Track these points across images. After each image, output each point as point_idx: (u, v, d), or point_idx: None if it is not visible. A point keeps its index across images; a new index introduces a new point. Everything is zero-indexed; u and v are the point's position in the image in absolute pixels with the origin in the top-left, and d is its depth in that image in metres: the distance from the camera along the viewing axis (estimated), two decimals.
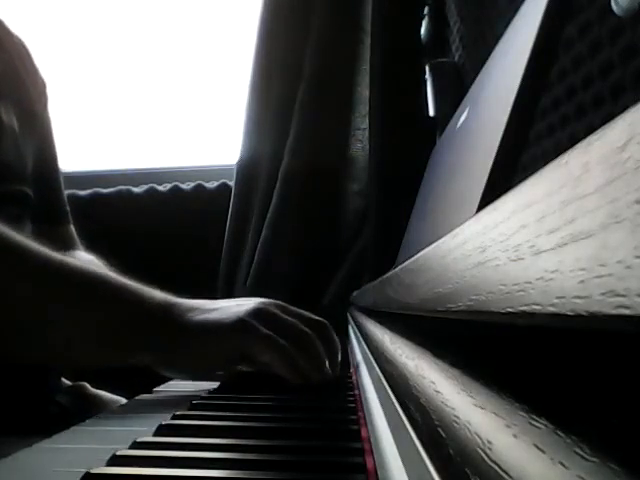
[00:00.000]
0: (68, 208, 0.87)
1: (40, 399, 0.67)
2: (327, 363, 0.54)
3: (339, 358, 0.57)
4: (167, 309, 0.53)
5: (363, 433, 0.34)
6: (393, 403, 0.24)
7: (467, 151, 0.40)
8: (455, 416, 0.14)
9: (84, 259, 0.82)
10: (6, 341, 0.50)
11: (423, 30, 1.04)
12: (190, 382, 0.59)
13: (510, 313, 0.11)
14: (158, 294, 0.55)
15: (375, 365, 0.36)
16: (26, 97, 0.77)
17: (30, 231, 0.73)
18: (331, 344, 0.56)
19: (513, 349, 0.14)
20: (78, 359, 0.55)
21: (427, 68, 0.96)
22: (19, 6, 1.51)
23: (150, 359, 0.54)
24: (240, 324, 0.51)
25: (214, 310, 0.53)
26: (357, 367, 0.54)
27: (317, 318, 0.58)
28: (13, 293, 0.49)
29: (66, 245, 0.84)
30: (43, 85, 0.85)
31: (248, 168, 1.33)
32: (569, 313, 0.09)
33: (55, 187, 0.85)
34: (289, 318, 0.53)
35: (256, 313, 0.52)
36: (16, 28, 0.79)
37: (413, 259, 0.27)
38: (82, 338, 0.52)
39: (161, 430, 0.35)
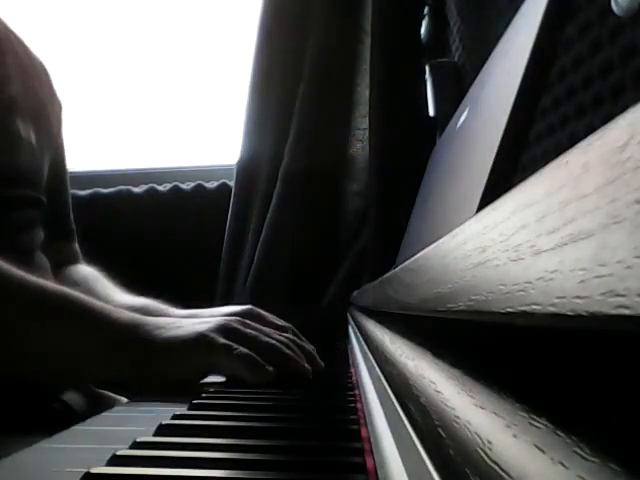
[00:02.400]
0: (74, 227, 0.90)
1: (43, 397, 0.67)
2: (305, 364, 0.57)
3: (315, 356, 0.60)
4: (134, 329, 0.56)
5: (363, 433, 0.34)
6: (393, 403, 0.24)
7: (467, 151, 0.40)
8: (455, 416, 0.14)
9: (85, 272, 0.85)
10: None
11: (423, 30, 1.04)
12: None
13: (510, 313, 0.11)
14: (125, 314, 0.58)
15: (375, 365, 0.36)
16: (44, 115, 0.80)
17: (42, 235, 0.75)
18: (303, 347, 0.60)
19: (513, 349, 0.14)
20: (46, 378, 0.58)
21: (427, 68, 0.96)
22: (20, 5, 1.51)
23: (119, 377, 0.57)
24: (201, 338, 0.54)
25: (178, 328, 0.56)
26: (357, 367, 0.54)
27: (284, 324, 0.62)
28: None
29: (69, 260, 0.86)
30: (59, 107, 0.88)
31: (248, 168, 1.33)
32: (569, 313, 0.09)
33: (64, 205, 0.89)
34: (250, 331, 0.56)
35: (217, 328, 0.55)
36: (16, 28, 0.79)
37: (413, 259, 0.27)
38: (50, 357, 0.54)
39: (161, 430, 0.35)
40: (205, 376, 0.57)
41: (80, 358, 0.55)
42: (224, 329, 0.55)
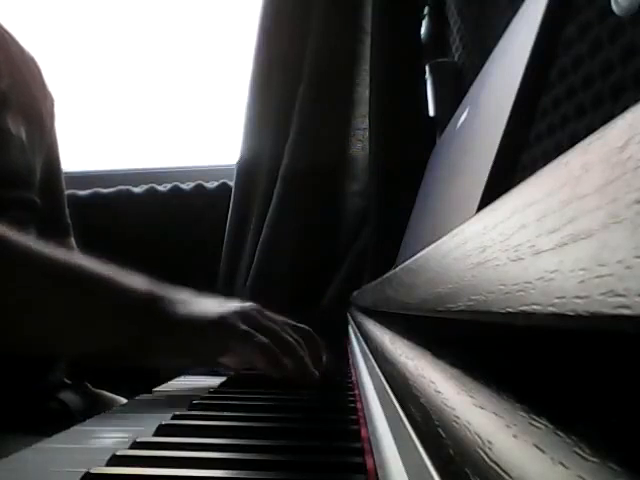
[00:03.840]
0: (70, 221, 0.89)
1: (41, 395, 0.67)
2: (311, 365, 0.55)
3: (323, 360, 0.59)
4: (151, 299, 0.54)
5: (363, 433, 0.34)
6: (393, 403, 0.24)
7: (467, 151, 0.40)
8: (455, 416, 0.14)
9: None
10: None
11: (423, 30, 1.04)
12: (189, 382, 0.59)
13: (510, 313, 0.11)
14: (142, 283, 0.56)
15: (375, 365, 0.36)
16: (35, 111, 0.79)
17: (35, 236, 0.75)
18: (314, 349, 0.59)
19: (513, 349, 0.14)
20: (60, 346, 0.56)
21: (427, 68, 0.96)
22: (19, 5, 1.51)
23: (133, 348, 0.55)
24: (222, 320, 0.53)
25: (197, 306, 0.55)
26: (357, 367, 0.54)
27: (300, 325, 0.61)
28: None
29: None
30: (51, 102, 0.87)
31: (248, 168, 1.33)
32: (569, 313, 0.09)
33: (59, 200, 0.88)
34: (269, 323, 0.55)
35: (238, 313, 0.54)
36: (16, 27, 0.79)
37: (413, 259, 0.27)
38: (64, 326, 0.53)
39: (161, 430, 0.35)
40: (219, 358, 0.56)
41: (94, 325, 0.53)
42: (245, 316, 0.54)
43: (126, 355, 0.55)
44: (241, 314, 0.54)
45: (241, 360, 0.56)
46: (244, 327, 0.52)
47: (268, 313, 0.60)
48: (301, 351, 0.55)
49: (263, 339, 0.52)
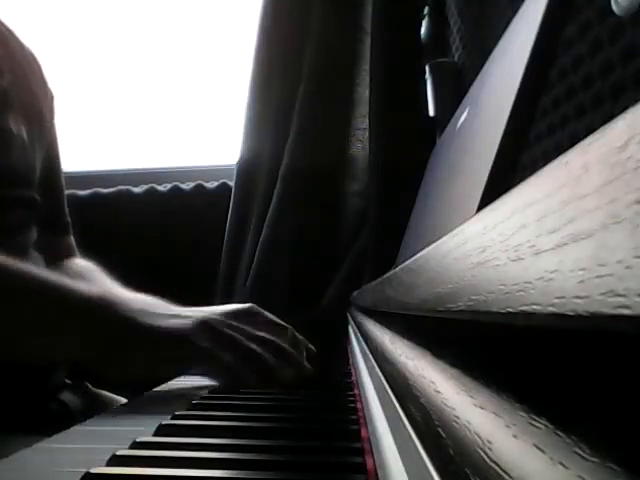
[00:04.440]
0: (69, 219, 0.89)
1: (41, 396, 0.67)
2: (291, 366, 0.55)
3: (303, 358, 0.59)
4: (105, 306, 0.54)
5: (363, 433, 0.34)
6: (393, 403, 0.24)
7: (467, 151, 0.40)
8: (455, 416, 0.14)
9: (81, 266, 0.84)
10: None
11: (423, 30, 1.04)
12: (190, 382, 0.59)
13: (510, 313, 0.11)
14: (94, 289, 0.56)
15: (375, 365, 0.36)
16: (35, 108, 0.78)
17: (35, 234, 0.75)
18: (296, 347, 0.59)
19: (513, 349, 0.14)
20: (23, 357, 0.56)
21: (427, 68, 0.96)
22: (19, 5, 1.51)
23: (94, 357, 0.55)
24: (184, 337, 0.53)
25: (161, 317, 0.54)
26: (357, 367, 0.54)
27: (281, 324, 0.61)
28: None
29: (64, 254, 0.86)
30: (51, 97, 0.86)
31: (248, 168, 1.33)
32: (569, 313, 0.09)
33: (58, 198, 0.88)
34: (232, 333, 0.55)
35: (199, 327, 0.53)
36: (16, 27, 0.79)
37: (413, 259, 0.27)
38: (29, 337, 0.53)
39: (161, 430, 0.35)
40: (181, 374, 0.57)
41: (54, 338, 0.53)
42: (206, 328, 0.54)
43: (93, 366, 0.56)
44: (203, 326, 0.54)
45: (203, 375, 0.56)
46: (204, 344, 0.52)
47: (259, 312, 0.60)
48: (266, 355, 0.54)
49: (224, 357, 0.52)
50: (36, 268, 0.57)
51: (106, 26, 1.64)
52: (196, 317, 0.55)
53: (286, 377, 0.54)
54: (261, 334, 0.56)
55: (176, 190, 1.42)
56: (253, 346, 0.54)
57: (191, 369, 0.56)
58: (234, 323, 0.56)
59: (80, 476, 0.26)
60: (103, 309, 0.53)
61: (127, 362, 0.53)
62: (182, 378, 0.62)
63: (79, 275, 0.81)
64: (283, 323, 0.62)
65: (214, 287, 1.31)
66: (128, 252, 1.23)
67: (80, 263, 0.86)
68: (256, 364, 0.53)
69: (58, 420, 0.42)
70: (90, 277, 0.81)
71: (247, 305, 0.61)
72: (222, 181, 1.42)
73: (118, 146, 1.64)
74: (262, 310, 0.63)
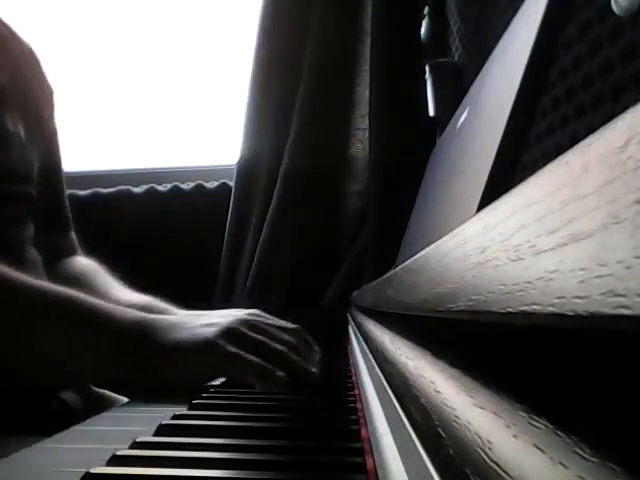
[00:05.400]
0: (70, 214, 0.88)
1: (42, 395, 0.67)
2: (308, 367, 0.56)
3: (316, 361, 0.59)
4: (139, 330, 0.55)
5: (363, 433, 0.34)
6: (393, 403, 0.24)
7: (467, 151, 0.40)
8: (455, 416, 0.14)
9: (83, 265, 0.84)
10: None
11: (423, 30, 1.04)
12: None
13: (510, 313, 0.11)
14: (129, 314, 0.57)
15: (375, 365, 0.36)
16: (33, 104, 0.78)
17: (32, 230, 0.75)
18: (307, 350, 0.59)
19: (513, 349, 0.14)
20: (49, 380, 0.58)
21: (427, 68, 0.96)
22: (19, 4, 1.51)
23: (123, 378, 0.56)
24: (211, 345, 0.53)
25: (185, 330, 0.55)
26: (357, 367, 0.54)
27: (290, 326, 0.61)
28: None
29: (67, 251, 0.85)
30: (50, 92, 0.86)
31: (248, 168, 1.33)
32: (569, 313, 0.09)
33: (58, 194, 0.87)
34: (257, 336, 0.55)
35: (225, 333, 0.54)
36: (16, 27, 0.79)
37: (413, 259, 0.27)
38: (55, 360, 0.54)
39: (161, 430, 0.35)
40: (211, 380, 0.57)
41: (85, 360, 0.54)
42: (232, 334, 0.54)
43: (116, 383, 0.56)
44: (228, 332, 0.54)
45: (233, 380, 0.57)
46: (232, 349, 0.52)
47: (265, 317, 0.60)
48: (293, 356, 0.55)
49: (252, 359, 0.52)
50: (72, 292, 0.57)
51: (106, 26, 1.64)
52: (220, 324, 0.55)
53: (311, 378, 0.54)
54: (283, 336, 0.57)
55: (176, 190, 1.42)
56: (279, 347, 0.55)
57: (222, 375, 0.57)
58: (258, 326, 0.57)
59: (80, 476, 0.26)
60: (136, 333, 0.54)
61: (158, 379, 0.54)
62: None
63: (82, 274, 0.81)
64: (292, 325, 0.62)
65: (214, 287, 1.31)
66: (128, 252, 1.23)
67: (82, 262, 0.85)
68: (286, 366, 0.53)
69: (59, 419, 0.42)
70: (93, 278, 0.80)
71: (252, 310, 0.62)
72: (222, 181, 1.42)
73: (118, 146, 1.64)
74: (266, 315, 0.63)
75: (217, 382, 0.57)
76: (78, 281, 0.76)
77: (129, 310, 0.58)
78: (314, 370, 0.55)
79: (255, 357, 0.52)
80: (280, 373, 0.51)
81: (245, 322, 0.57)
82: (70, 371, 0.55)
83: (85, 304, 0.56)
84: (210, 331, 0.54)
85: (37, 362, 0.54)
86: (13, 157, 0.70)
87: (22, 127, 0.72)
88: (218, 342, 0.53)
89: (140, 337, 0.54)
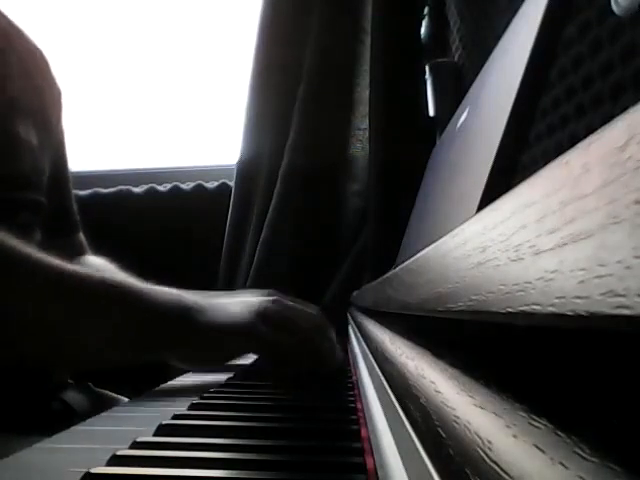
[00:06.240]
0: (78, 217, 0.89)
1: (43, 395, 0.67)
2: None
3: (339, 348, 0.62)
4: (180, 310, 0.55)
5: (363, 433, 0.34)
6: (393, 403, 0.24)
7: (467, 151, 0.40)
8: (455, 416, 0.14)
9: (95, 264, 0.84)
10: (32, 349, 0.52)
11: (423, 30, 1.04)
12: (190, 382, 0.59)
13: (510, 313, 0.11)
14: (170, 294, 0.57)
15: (375, 365, 0.36)
16: (44, 109, 0.79)
17: (40, 237, 0.75)
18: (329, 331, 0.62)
19: (513, 349, 0.14)
20: (97, 362, 0.58)
21: (427, 68, 0.96)
22: (19, 4, 1.51)
23: (166, 357, 0.57)
24: (249, 329, 0.55)
25: (224, 311, 0.56)
26: (357, 367, 0.54)
27: (309, 309, 0.63)
28: (27, 307, 0.50)
29: (77, 252, 0.86)
30: (59, 94, 0.87)
31: (248, 168, 1.33)
32: (569, 313, 0.09)
33: (67, 197, 0.88)
34: (290, 317, 0.57)
35: (264, 314, 0.56)
36: (22, 26, 0.79)
37: (413, 259, 0.27)
38: (99, 343, 0.54)
39: (161, 430, 0.35)
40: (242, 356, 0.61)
41: (125, 341, 0.54)
42: (266, 316, 0.55)
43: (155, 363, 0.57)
44: (265, 313, 0.56)
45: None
46: (270, 337, 0.54)
47: (284, 302, 0.61)
48: (319, 338, 0.57)
49: (282, 343, 0.54)
50: (108, 275, 0.58)
51: (106, 26, 1.64)
52: (255, 307, 0.56)
53: (335, 361, 0.57)
54: (313, 318, 0.60)
55: (176, 190, 1.42)
56: (308, 327, 0.57)
57: (257, 354, 0.60)
58: (287, 307, 0.59)
59: (80, 476, 0.26)
60: (175, 314, 0.55)
61: (193, 360, 0.56)
62: (182, 377, 0.62)
63: (98, 270, 0.81)
64: (310, 306, 0.64)
65: (214, 287, 1.31)
66: (128, 252, 1.23)
67: (94, 260, 0.86)
68: (313, 347, 0.56)
69: (60, 419, 0.42)
70: (110, 271, 0.81)
71: (270, 290, 0.62)
72: (222, 181, 1.42)
73: (118, 146, 1.64)
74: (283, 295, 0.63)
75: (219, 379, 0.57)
76: None
77: (165, 290, 0.57)
78: (339, 352, 0.58)
79: (286, 339, 0.55)
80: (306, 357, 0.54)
81: (278, 302, 0.58)
82: (111, 353, 0.55)
83: (122, 285, 0.55)
84: (250, 313, 0.56)
85: (79, 346, 0.53)
86: (26, 165, 0.71)
87: (34, 134, 0.73)
88: (259, 325, 0.55)
89: (179, 317, 0.55)
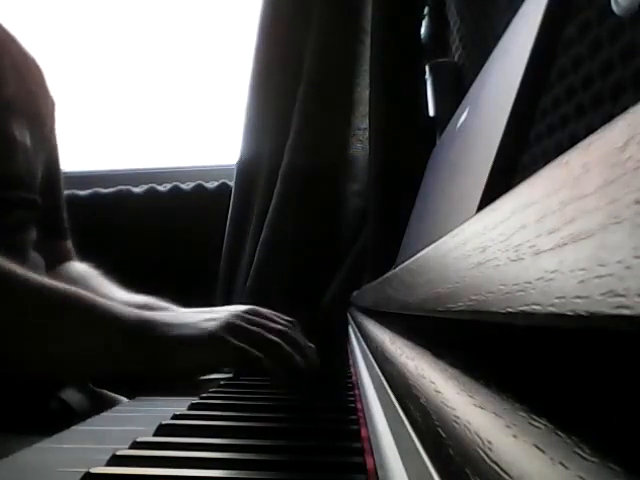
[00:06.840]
0: (67, 225, 0.90)
1: (42, 394, 0.67)
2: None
3: (310, 353, 0.62)
4: (143, 325, 0.56)
5: (363, 433, 0.34)
6: (393, 403, 0.24)
7: (467, 151, 0.40)
8: (455, 416, 0.14)
9: (78, 270, 0.85)
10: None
11: (423, 30, 1.04)
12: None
13: (510, 313, 0.11)
14: (132, 311, 0.58)
15: (375, 365, 0.36)
16: (38, 114, 0.80)
17: (35, 235, 0.76)
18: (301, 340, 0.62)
19: (513, 349, 0.14)
20: (54, 375, 0.59)
21: (427, 68, 0.96)
22: (19, 4, 1.51)
23: (127, 373, 0.57)
24: (214, 338, 0.55)
25: (187, 325, 0.57)
26: (357, 367, 0.54)
27: (285, 319, 0.64)
28: None
29: (62, 258, 0.87)
30: (52, 104, 0.88)
31: (248, 168, 1.33)
32: (569, 313, 0.09)
33: (57, 204, 0.89)
34: (254, 328, 0.58)
35: (226, 326, 0.56)
36: (17, 27, 0.79)
37: (413, 259, 0.27)
38: (59, 355, 0.54)
39: (161, 430, 0.35)
40: (213, 372, 0.59)
41: (89, 355, 0.55)
42: (232, 327, 0.56)
43: (120, 378, 0.58)
44: (229, 325, 0.56)
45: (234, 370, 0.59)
46: (235, 343, 0.55)
47: (262, 312, 0.62)
48: (287, 347, 0.57)
49: (255, 354, 0.54)
50: (76, 289, 0.58)
51: (106, 26, 1.64)
52: (221, 318, 0.57)
53: (300, 366, 0.57)
54: (278, 327, 0.60)
55: (176, 190, 1.42)
56: (271, 337, 0.57)
57: (225, 367, 0.60)
58: (254, 319, 0.59)
59: (80, 476, 0.26)
60: (140, 329, 0.55)
61: (162, 374, 0.55)
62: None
63: (81, 277, 0.82)
64: (287, 318, 0.64)
65: (214, 287, 1.31)
66: (128, 252, 1.23)
67: (79, 266, 0.87)
68: (282, 358, 0.56)
69: (59, 419, 0.42)
70: (91, 281, 0.82)
71: (249, 307, 0.63)
72: (222, 181, 1.42)
73: (118, 146, 1.64)
74: (264, 309, 0.64)
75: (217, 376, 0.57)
76: (77, 283, 0.76)
77: (131, 308, 0.59)
78: (314, 359, 0.58)
79: (254, 350, 0.55)
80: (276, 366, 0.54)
81: (242, 316, 0.59)
82: (73, 367, 0.56)
83: (88, 300, 0.56)
84: (211, 325, 0.56)
85: (41, 357, 0.54)
86: (20, 164, 0.72)
87: (28, 136, 0.74)
88: (223, 336, 0.55)
89: (144, 333, 0.55)
